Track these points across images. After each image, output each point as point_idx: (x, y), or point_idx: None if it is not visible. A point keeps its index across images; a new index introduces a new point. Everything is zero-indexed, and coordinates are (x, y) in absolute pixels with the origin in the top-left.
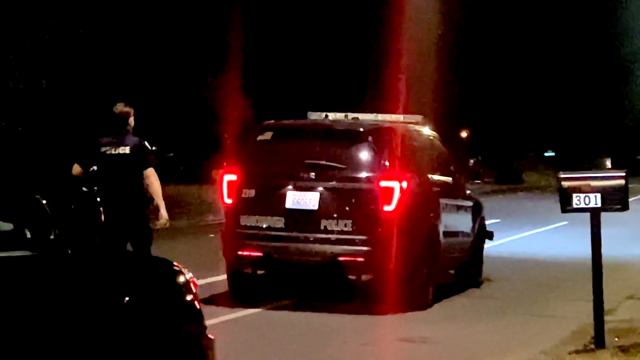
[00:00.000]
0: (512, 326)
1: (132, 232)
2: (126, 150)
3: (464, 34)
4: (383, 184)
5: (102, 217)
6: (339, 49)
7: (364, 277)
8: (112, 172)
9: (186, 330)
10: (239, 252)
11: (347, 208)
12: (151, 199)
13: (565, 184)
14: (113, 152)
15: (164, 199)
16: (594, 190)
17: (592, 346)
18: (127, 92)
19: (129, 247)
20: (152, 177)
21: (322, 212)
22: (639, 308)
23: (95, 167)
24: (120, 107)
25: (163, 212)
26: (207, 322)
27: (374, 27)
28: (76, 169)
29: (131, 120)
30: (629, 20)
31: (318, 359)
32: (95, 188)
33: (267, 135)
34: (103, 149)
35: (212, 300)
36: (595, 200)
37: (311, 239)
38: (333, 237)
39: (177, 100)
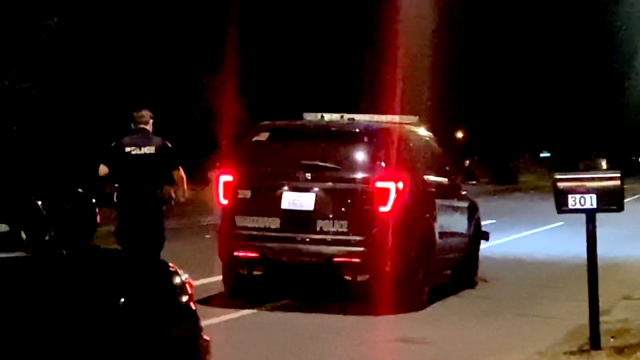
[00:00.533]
0: (508, 327)
1: (146, 233)
2: (152, 150)
3: (460, 35)
4: (379, 184)
5: (98, 219)
6: (334, 50)
7: (359, 278)
8: (137, 172)
9: (181, 331)
10: (235, 253)
11: (342, 209)
12: (169, 201)
13: (560, 184)
14: (139, 152)
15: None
16: (590, 191)
17: (588, 347)
18: (123, 92)
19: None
20: (182, 179)
21: (318, 212)
22: (634, 309)
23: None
24: (142, 111)
25: (184, 192)
26: (203, 323)
27: (369, 28)
28: (103, 169)
29: (151, 122)
30: (625, 21)
31: None
32: (117, 185)
33: (263, 136)
34: (128, 149)
35: (208, 301)
36: (590, 201)
37: (307, 239)
38: (329, 237)
39: (173, 100)
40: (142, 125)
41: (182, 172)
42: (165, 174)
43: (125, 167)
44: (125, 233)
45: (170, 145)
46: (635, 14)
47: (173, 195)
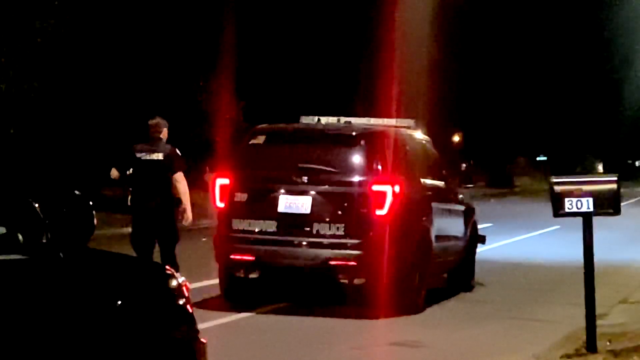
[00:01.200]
0: (504, 330)
1: (161, 230)
2: (160, 156)
3: (457, 39)
4: (375, 188)
5: (95, 221)
6: (331, 53)
7: (356, 281)
8: (146, 176)
9: (178, 334)
10: (231, 256)
11: (339, 212)
12: (179, 201)
13: (557, 188)
14: (148, 157)
15: None
16: (586, 194)
17: (584, 350)
18: (119, 95)
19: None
20: (181, 182)
21: (315, 216)
22: (631, 312)
23: (128, 171)
24: (156, 120)
25: (189, 213)
26: (200, 326)
27: (366, 31)
28: (114, 172)
29: (165, 131)
30: (621, 25)
31: None
32: (130, 189)
33: (260, 139)
34: (138, 155)
35: (205, 304)
36: (587, 205)
37: (303, 243)
38: (325, 241)
39: (169, 103)
40: (156, 134)
41: (181, 178)
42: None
43: (136, 172)
44: (138, 235)
45: (179, 153)
46: (631, 18)
47: (183, 199)
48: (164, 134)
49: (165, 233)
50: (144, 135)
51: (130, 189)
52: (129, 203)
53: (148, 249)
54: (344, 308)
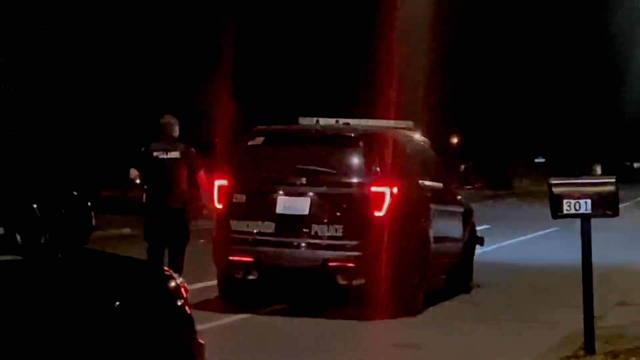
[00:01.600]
0: (502, 332)
1: (174, 229)
2: (177, 154)
3: (455, 41)
4: (374, 189)
5: (93, 222)
6: (330, 54)
7: (354, 283)
8: (163, 174)
9: (177, 335)
10: (230, 258)
11: (338, 213)
12: (193, 198)
13: (555, 189)
14: (165, 156)
15: None
16: (585, 196)
17: (583, 352)
18: (118, 96)
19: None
20: (203, 178)
21: (313, 217)
22: (629, 314)
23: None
24: (167, 118)
25: (207, 203)
26: (198, 327)
27: (365, 32)
28: (133, 172)
29: (176, 129)
30: (621, 28)
31: None
32: (146, 187)
33: (258, 140)
34: (155, 154)
35: (203, 305)
36: (585, 206)
37: (302, 244)
38: (324, 242)
39: (168, 104)
40: (168, 132)
41: (203, 174)
42: (190, 177)
43: (153, 171)
44: (152, 232)
45: (193, 150)
46: (630, 21)
47: (203, 199)
48: (176, 131)
49: (178, 231)
50: (147, 135)
51: (145, 187)
52: (144, 201)
53: (161, 246)
54: (343, 309)
